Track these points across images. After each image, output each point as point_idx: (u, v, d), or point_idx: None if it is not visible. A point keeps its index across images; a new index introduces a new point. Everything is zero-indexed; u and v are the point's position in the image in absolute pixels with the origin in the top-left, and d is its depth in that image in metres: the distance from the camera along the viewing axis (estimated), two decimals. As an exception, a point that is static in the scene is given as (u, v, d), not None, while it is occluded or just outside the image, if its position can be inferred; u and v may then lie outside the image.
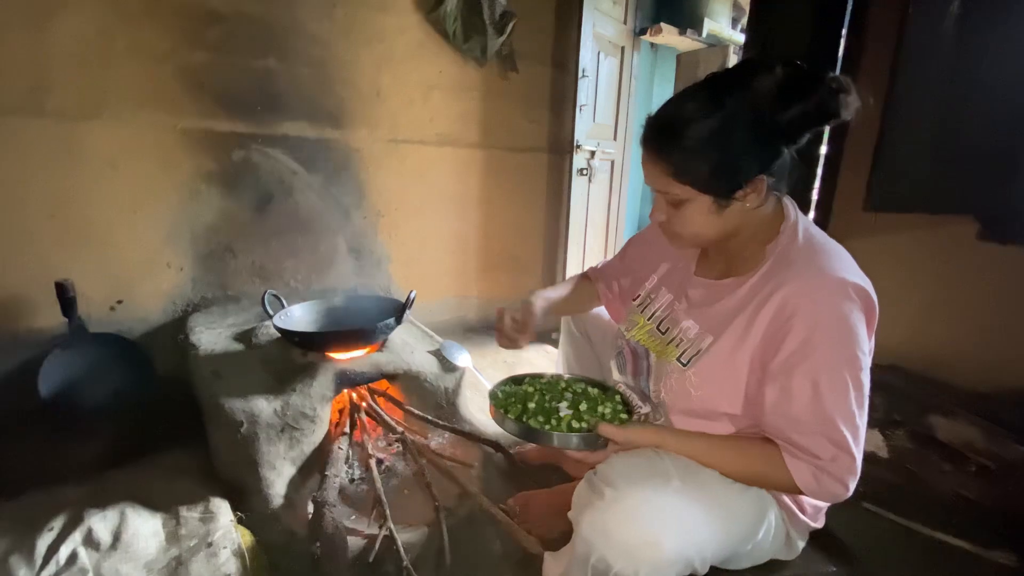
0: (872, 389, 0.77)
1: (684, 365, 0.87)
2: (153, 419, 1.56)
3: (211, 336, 1.56)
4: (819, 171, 1.84)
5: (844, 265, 0.78)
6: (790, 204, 0.87)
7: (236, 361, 1.44)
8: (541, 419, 0.90)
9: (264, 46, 1.78)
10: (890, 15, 1.49)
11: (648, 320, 0.99)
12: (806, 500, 0.88)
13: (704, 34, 3.09)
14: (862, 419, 0.76)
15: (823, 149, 1.82)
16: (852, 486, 0.76)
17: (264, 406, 1.28)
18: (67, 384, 1.52)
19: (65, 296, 1.48)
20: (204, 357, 1.45)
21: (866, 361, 0.76)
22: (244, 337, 1.56)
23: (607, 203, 2.82)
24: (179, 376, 1.63)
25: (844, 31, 1.74)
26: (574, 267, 2.62)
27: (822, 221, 1.84)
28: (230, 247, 1.85)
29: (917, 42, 1.40)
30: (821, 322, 0.74)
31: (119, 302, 1.70)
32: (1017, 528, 1.22)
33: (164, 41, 1.62)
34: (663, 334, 0.94)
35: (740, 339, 0.82)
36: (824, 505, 0.92)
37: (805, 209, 1.86)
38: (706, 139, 0.76)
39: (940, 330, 1.61)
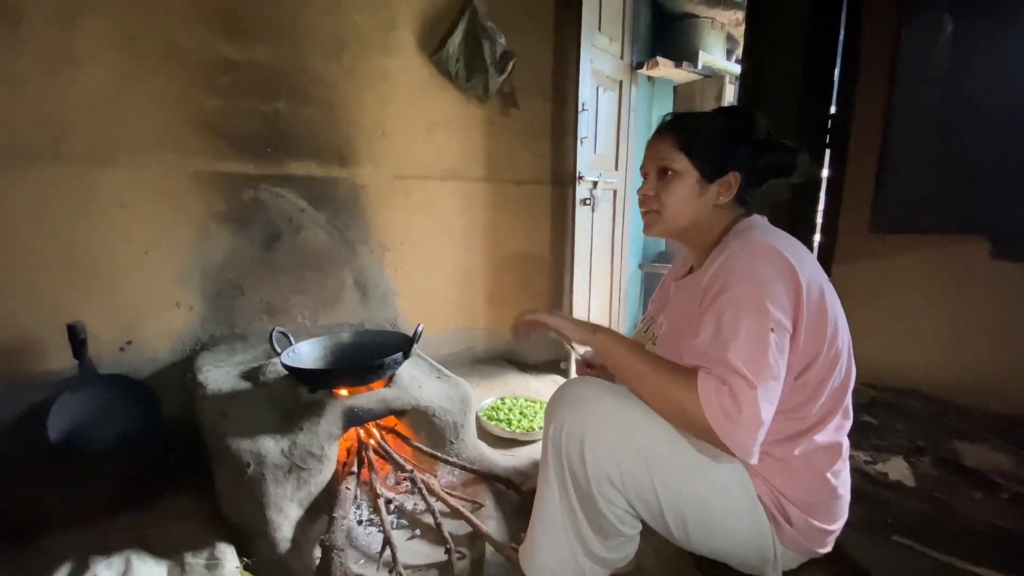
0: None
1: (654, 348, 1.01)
2: (160, 461, 1.54)
3: (218, 375, 1.55)
4: (822, 195, 1.84)
5: (780, 240, 0.87)
6: (758, 216, 0.99)
7: (243, 400, 1.43)
8: None
9: (274, 90, 1.84)
10: (882, 40, 1.52)
11: (645, 334, 1.08)
12: (790, 507, 0.89)
13: (700, 66, 3.16)
14: (763, 363, 0.78)
15: (824, 173, 1.83)
16: (748, 414, 0.75)
17: (271, 446, 1.26)
18: (76, 427, 1.51)
19: (76, 338, 1.48)
20: (211, 396, 1.44)
21: (776, 317, 0.80)
22: (251, 375, 1.56)
23: (611, 231, 2.83)
24: (186, 416, 1.62)
25: (839, 57, 1.77)
26: (580, 295, 2.61)
27: (829, 244, 1.83)
28: (239, 285, 1.87)
29: (911, 65, 1.42)
30: (737, 272, 0.83)
31: (128, 343, 1.70)
32: (1058, 559, 1.15)
33: (178, 87, 1.68)
34: (654, 343, 1.04)
35: (688, 309, 0.93)
36: (823, 525, 0.90)
37: (811, 232, 1.86)
38: (711, 129, 0.97)
39: (959, 352, 1.58)
